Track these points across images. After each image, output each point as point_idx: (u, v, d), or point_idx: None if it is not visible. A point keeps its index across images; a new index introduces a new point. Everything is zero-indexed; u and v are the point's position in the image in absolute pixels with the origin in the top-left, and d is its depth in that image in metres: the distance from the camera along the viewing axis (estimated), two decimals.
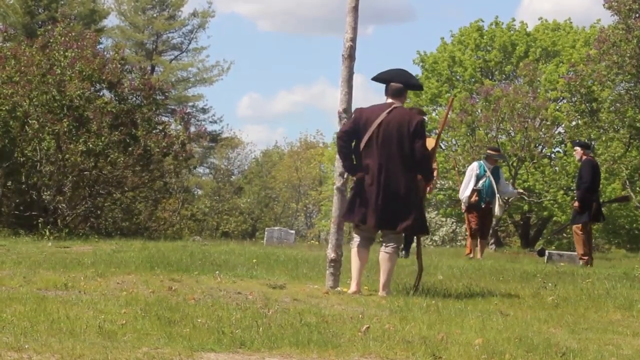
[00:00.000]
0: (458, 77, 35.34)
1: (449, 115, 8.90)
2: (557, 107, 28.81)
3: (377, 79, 8.57)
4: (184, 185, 31.22)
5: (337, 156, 8.63)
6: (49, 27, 19.39)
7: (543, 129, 23.85)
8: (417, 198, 8.37)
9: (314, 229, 47.63)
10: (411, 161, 8.22)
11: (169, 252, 11.58)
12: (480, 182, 14.93)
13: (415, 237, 8.87)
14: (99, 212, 18.03)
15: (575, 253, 15.91)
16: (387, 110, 8.28)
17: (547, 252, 16.23)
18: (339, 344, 5.56)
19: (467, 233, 15.63)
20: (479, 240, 15.29)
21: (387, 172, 8.20)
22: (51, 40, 17.91)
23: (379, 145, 8.20)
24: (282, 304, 7.17)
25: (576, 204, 14.66)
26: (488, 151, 15.82)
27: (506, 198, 15.29)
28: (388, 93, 8.45)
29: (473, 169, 15.26)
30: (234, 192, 46.73)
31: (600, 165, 24.18)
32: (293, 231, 18.18)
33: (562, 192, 30.47)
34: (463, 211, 15.76)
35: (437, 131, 10.33)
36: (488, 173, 15.02)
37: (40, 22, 36.81)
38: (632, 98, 22.07)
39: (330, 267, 8.46)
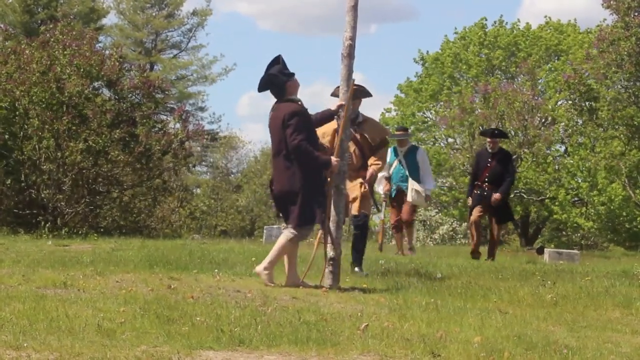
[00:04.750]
0: (462, 75, 35.38)
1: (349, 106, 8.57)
2: (564, 108, 28.76)
3: (259, 89, 8.61)
4: (183, 184, 31.20)
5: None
6: (50, 26, 19.39)
7: (542, 128, 23.89)
8: (302, 190, 8.25)
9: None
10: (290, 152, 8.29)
11: (168, 251, 11.59)
12: (391, 168, 13.95)
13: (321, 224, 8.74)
14: (98, 210, 18.02)
15: (575, 252, 15.80)
16: (272, 109, 8.54)
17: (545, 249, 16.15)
18: (338, 342, 5.56)
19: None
20: (403, 230, 14.25)
21: (274, 167, 8.54)
22: (52, 40, 17.91)
23: (271, 143, 8.57)
24: (280, 302, 7.17)
25: (497, 195, 13.74)
26: (395, 132, 14.44)
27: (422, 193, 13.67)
28: (276, 98, 8.56)
29: None
30: (233, 191, 46.70)
31: (598, 162, 24.25)
32: None
33: (563, 191, 30.47)
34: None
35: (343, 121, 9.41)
36: (400, 157, 13.96)
37: (39, 21, 36.79)
38: (631, 96, 22.07)
39: (329, 266, 8.46)
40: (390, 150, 13.76)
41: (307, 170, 8.28)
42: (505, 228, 14.81)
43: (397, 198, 14.08)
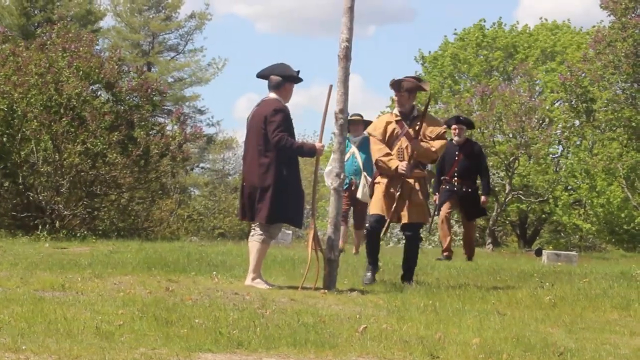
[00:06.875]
0: (462, 76, 35.41)
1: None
2: (561, 110, 28.76)
3: (260, 75, 8.68)
4: (181, 186, 31.15)
5: (333, 156, 8.66)
6: (47, 28, 19.40)
7: (539, 129, 23.88)
8: (272, 186, 8.24)
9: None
10: (269, 149, 8.28)
11: (166, 253, 11.57)
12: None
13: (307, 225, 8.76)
14: (96, 213, 17.99)
15: (574, 253, 15.66)
16: (257, 104, 8.56)
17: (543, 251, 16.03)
18: (337, 344, 5.56)
19: None
20: (354, 231, 13.19)
21: (246, 164, 8.54)
22: (48, 42, 17.92)
23: (246, 139, 8.56)
24: (279, 304, 7.17)
25: (485, 199, 13.23)
26: (350, 117, 12.01)
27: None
28: (268, 87, 8.60)
29: None
30: (231, 192, 46.68)
31: (595, 165, 24.24)
32: (290, 231, 18.09)
33: (565, 193, 30.45)
34: None
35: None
36: (353, 148, 12.57)
37: (36, 24, 36.79)
38: (629, 98, 22.08)
39: (327, 268, 8.46)
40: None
41: (282, 167, 8.28)
42: (475, 223, 14.17)
43: (350, 192, 12.48)
